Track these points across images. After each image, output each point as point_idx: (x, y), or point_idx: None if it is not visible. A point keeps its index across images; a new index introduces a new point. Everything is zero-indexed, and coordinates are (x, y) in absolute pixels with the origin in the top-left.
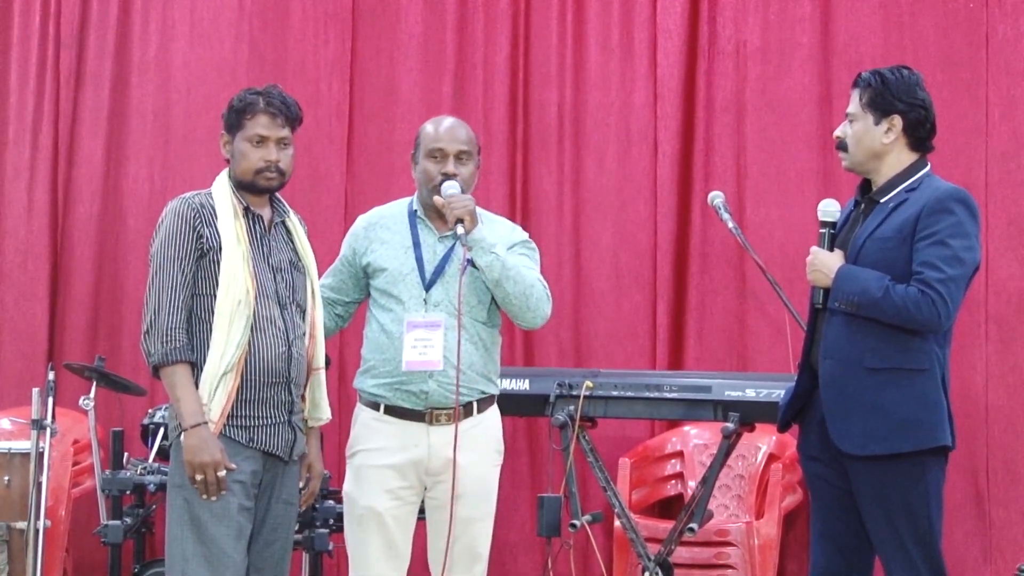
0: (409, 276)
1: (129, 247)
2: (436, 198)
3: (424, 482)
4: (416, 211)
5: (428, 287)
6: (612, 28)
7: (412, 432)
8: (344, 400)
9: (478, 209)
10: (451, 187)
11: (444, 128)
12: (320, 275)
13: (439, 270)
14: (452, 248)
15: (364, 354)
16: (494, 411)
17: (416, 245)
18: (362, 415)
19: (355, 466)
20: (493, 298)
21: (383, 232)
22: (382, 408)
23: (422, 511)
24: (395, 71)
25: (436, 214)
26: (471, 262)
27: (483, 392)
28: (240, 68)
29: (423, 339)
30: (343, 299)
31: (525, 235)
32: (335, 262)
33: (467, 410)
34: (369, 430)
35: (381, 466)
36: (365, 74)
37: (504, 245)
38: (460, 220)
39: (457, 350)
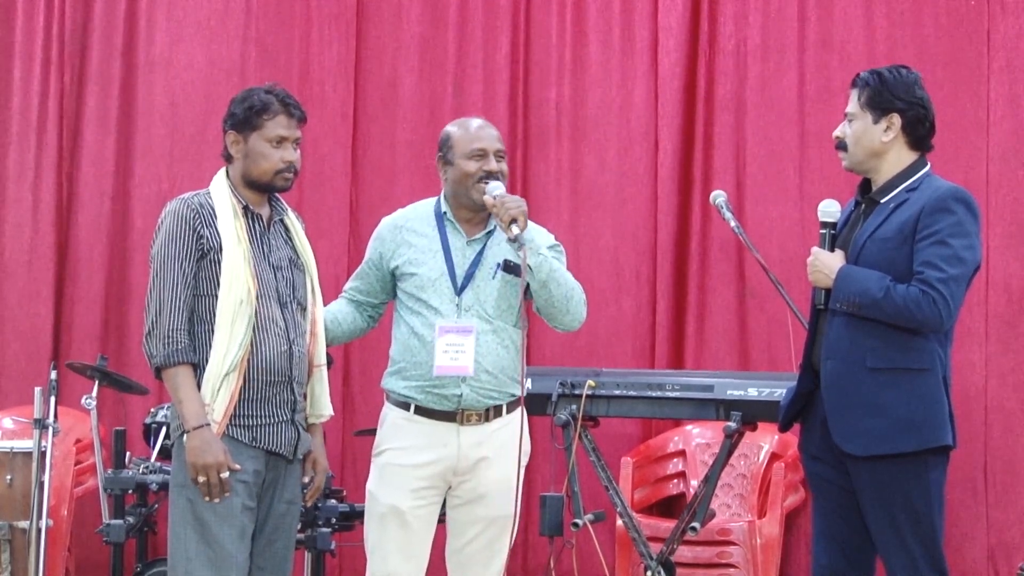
0: (439, 281)
1: (135, 247)
2: (486, 198)
3: (449, 481)
4: (445, 213)
5: (460, 292)
6: (613, 26)
7: (441, 432)
8: (348, 400)
9: None
10: (498, 187)
11: (479, 128)
12: (319, 274)
13: (470, 274)
14: (481, 252)
15: (393, 355)
16: (521, 413)
17: (446, 249)
18: (391, 415)
19: (380, 464)
20: (520, 302)
21: (410, 235)
22: (412, 408)
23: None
24: (397, 71)
25: (465, 216)
26: (500, 266)
27: (512, 395)
28: (247, 68)
29: (455, 344)
30: (372, 301)
31: (555, 238)
32: (361, 265)
33: (496, 412)
34: (398, 429)
35: (407, 465)
36: (368, 75)
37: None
38: (514, 220)
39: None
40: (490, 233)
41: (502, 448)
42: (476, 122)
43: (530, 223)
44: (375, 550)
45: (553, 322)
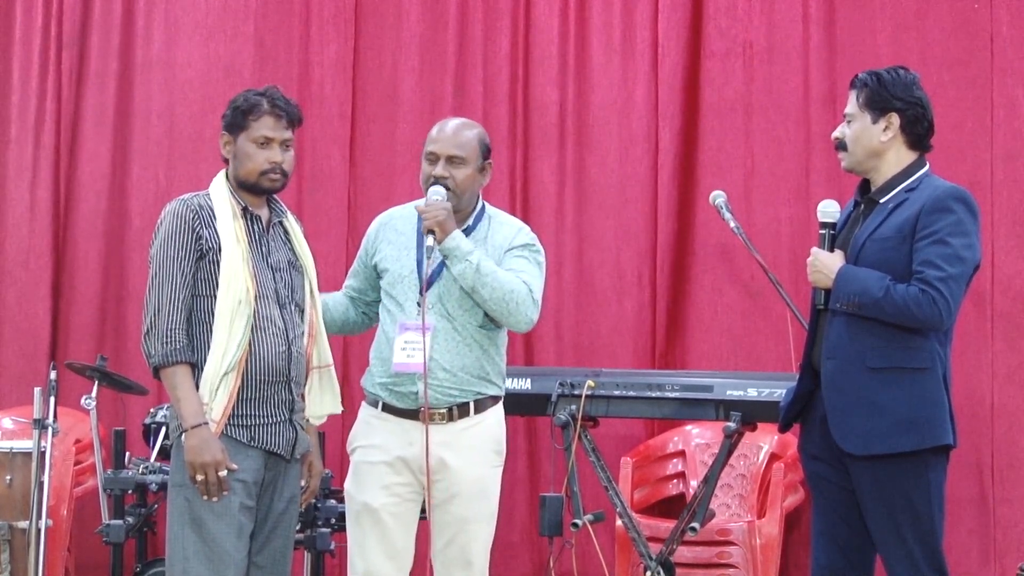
0: (408, 278)
1: (133, 246)
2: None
3: (421, 480)
4: None
5: (423, 289)
6: (614, 26)
7: (407, 430)
8: (347, 400)
9: (491, 209)
10: (435, 193)
11: (443, 131)
12: (320, 275)
13: (436, 272)
14: None
15: (370, 353)
16: (495, 412)
17: (419, 247)
18: (363, 412)
19: (354, 462)
20: None
21: (391, 233)
22: (380, 405)
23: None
24: (397, 71)
25: None
26: None
27: (480, 393)
28: (245, 68)
29: (412, 341)
30: (365, 299)
31: (530, 238)
32: (354, 263)
33: (462, 411)
34: (367, 427)
35: (377, 462)
36: (368, 74)
37: (501, 248)
38: (431, 231)
39: (425, 353)
40: (465, 231)
41: (472, 448)
42: (448, 124)
43: (507, 221)
44: (355, 549)
45: (501, 323)
